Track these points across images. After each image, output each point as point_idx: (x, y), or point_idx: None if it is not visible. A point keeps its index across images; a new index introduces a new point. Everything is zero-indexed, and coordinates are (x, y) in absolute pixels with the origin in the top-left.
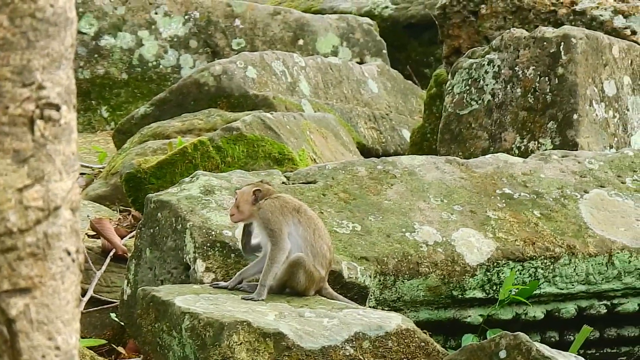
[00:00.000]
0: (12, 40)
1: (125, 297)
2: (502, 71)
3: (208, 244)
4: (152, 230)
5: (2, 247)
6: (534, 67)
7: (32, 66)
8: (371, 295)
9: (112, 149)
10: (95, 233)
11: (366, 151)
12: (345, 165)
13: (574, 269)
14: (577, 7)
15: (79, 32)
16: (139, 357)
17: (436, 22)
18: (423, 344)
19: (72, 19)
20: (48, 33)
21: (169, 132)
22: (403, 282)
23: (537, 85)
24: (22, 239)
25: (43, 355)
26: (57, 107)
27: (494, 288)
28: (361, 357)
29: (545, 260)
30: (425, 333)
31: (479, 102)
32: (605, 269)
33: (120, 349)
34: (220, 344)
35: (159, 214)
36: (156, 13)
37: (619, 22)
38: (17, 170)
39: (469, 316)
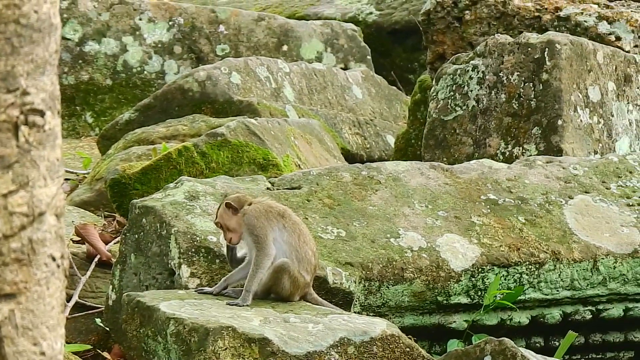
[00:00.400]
0: None
1: (110, 303)
2: (487, 77)
3: (193, 250)
4: (136, 236)
5: None
6: (518, 73)
7: (17, 72)
8: (356, 301)
9: (97, 155)
10: (79, 239)
11: (350, 157)
12: (330, 170)
13: (559, 275)
14: (562, 13)
15: (64, 38)
16: None
17: (420, 28)
18: (408, 349)
19: (56, 25)
20: (32, 39)
21: (153, 138)
22: (388, 287)
23: (522, 91)
24: (7, 244)
25: None
26: (42, 113)
27: (479, 294)
28: None
29: (530, 266)
30: (410, 338)
31: (464, 108)
32: (590, 274)
33: (106, 355)
34: (205, 349)
35: (143, 220)
36: (140, 19)
37: (603, 28)
38: (2, 176)
39: (454, 322)
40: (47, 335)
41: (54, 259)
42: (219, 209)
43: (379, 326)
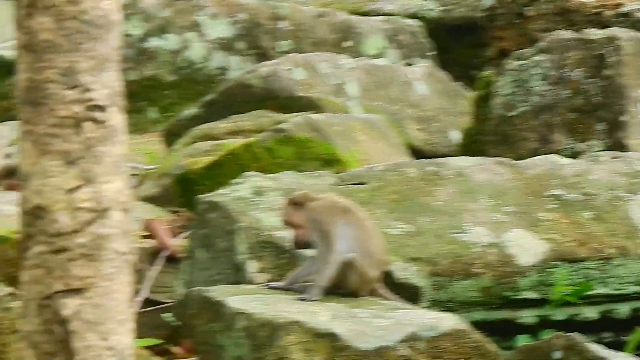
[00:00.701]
0: (58, 43)
1: (179, 298)
2: (549, 73)
3: (259, 245)
4: (204, 231)
5: (54, 248)
6: (581, 69)
7: (78, 68)
8: (424, 296)
9: (162, 150)
10: (148, 234)
11: (415, 152)
12: (395, 166)
13: (627, 270)
14: (622, 10)
15: (126, 35)
16: (194, 357)
17: (482, 24)
18: (477, 344)
19: (116, 22)
20: (93, 35)
21: (217, 134)
22: (456, 283)
23: (585, 87)
24: (74, 240)
25: (97, 355)
26: (104, 109)
27: (547, 289)
28: (415, 358)
29: (597, 262)
30: (479, 333)
31: (527, 103)
32: None
33: (175, 349)
34: (274, 344)
35: (210, 215)
36: (202, 15)
37: None
38: (66, 171)
39: (522, 317)
40: (115, 330)
41: (120, 254)
42: (284, 206)
43: (448, 321)
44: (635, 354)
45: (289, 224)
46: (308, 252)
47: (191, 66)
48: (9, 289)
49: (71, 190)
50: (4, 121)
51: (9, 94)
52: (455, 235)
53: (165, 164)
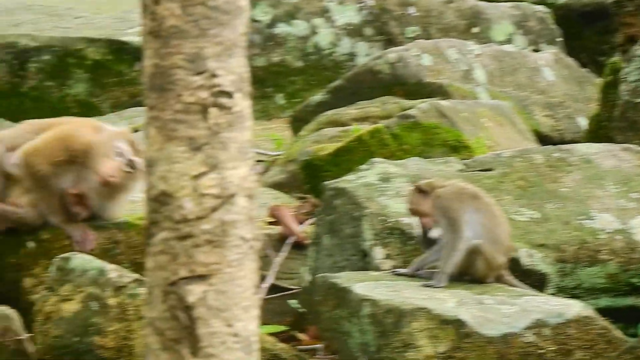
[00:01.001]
0: (185, 29)
1: (305, 284)
2: None
3: (386, 231)
4: (330, 218)
5: (179, 235)
6: None
7: (205, 54)
8: (550, 283)
9: (289, 136)
10: (274, 220)
11: (542, 139)
12: (522, 152)
13: None
14: None
15: (254, 20)
16: (320, 343)
17: (611, 11)
18: (603, 331)
19: (243, 7)
20: (220, 21)
21: (344, 120)
22: (582, 269)
23: None
24: (199, 226)
25: (222, 342)
26: (230, 95)
27: None
28: (541, 344)
29: None
30: (605, 320)
31: None
32: None
33: (301, 336)
34: (400, 330)
35: (336, 201)
36: (330, 1)
37: None
38: (192, 157)
39: None
40: (240, 317)
41: (245, 240)
42: (410, 195)
43: (574, 308)
44: None
45: (415, 212)
46: (434, 238)
47: (319, 52)
48: (135, 276)
49: (196, 177)
50: (131, 107)
51: (136, 80)
52: (581, 221)
53: (292, 150)
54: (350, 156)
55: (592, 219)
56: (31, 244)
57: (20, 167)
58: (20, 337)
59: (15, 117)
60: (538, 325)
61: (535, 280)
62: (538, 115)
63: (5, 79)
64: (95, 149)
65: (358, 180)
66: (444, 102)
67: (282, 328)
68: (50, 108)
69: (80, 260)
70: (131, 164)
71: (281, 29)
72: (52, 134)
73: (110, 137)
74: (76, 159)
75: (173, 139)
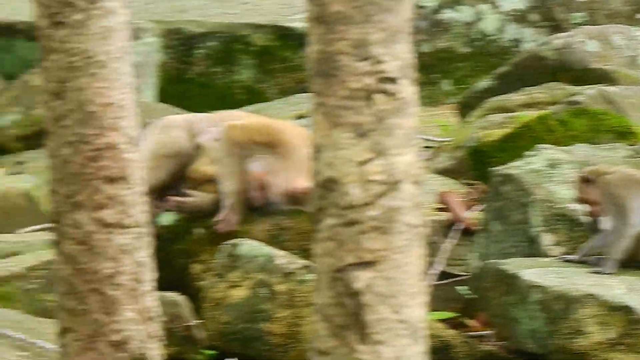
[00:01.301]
0: (350, 15)
1: (473, 271)
2: None
3: (554, 218)
4: (498, 204)
5: (346, 221)
6: None
7: (370, 40)
8: None
9: (456, 123)
10: (442, 206)
11: None
12: None
13: None
14: None
15: (420, 6)
16: (489, 330)
17: None
18: None
19: None
20: (385, 7)
21: (511, 106)
22: None
23: None
24: (365, 212)
25: (389, 328)
26: (396, 81)
27: None
28: None
29: None
30: None
31: None
32: None
33: (470, 322)
34: (570, 317)
35: (504, 188)
36: None
37: None
38: (358, 144)
39: None
40: (407, 303)
41: (412, 227)
42: (577, 183)
43: None
44: None
45: (583, 200)
46: (602, 225)
47: (485, 38)
48: (303, 262)
49: (363, 163)
50: (297, 93)
51: (301, 66)
52: None
53: (459, 136)
54: (517, 142)
55: None
56: (200, 231)
57: (220, 139)
58: (189, 324)
59: (182, 103)
60: None
61: None
62: None
63: (172, 65)
64: (296, 153)
65: (525, 167)
66: (610, 88)
67: (451, 315)
68: (216, 94)
69: (248, 246)
70: None
71: (447, 14)
72: (260, 119)
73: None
74: (276, 148)
75: (339, 125)
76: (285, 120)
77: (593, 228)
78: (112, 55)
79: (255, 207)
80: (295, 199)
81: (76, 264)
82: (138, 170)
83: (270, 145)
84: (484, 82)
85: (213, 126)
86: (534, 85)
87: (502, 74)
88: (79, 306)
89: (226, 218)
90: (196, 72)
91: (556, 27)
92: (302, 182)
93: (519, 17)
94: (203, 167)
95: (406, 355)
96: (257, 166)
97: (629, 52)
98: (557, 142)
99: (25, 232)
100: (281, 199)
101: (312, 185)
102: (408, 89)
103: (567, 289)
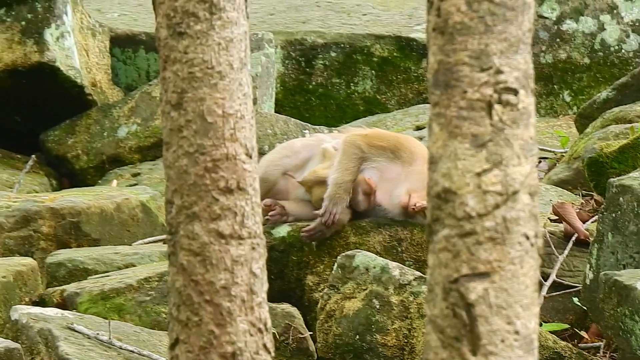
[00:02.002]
0: (470, 25)
1: (587, 282)
2: None
3: None
4: (614, 215)
5: (461, 232)
6: None
7: (490, 50)
8: None
9: (574, 134)
10: (557, 217)
11: None
12: None
13: None
14: None
15: (541, 17)
16: (601, 341)
17: None
18: None
19: (529, 4)
20: (506, 17)
21: (630, 117)
22: None
23: None
24: (481, 223)
25: (502, 340)
26: (515, 92)
27: None
28: None
29: None
30: None
31: None
32: None
33: (583, 334)
34: None
35: (620, 199)
36: None
37: None
38: (476, 154)
39: None
40: (521, 314)
41: (527, 238)
42: None
43: None
44: None
45: None
46: None
47: (606, 49)
48: (417, 273)
49: (480, 174)
50: (417, 104)
51: (421, 77)
52: None
53: (577, 147)
54: (636, 153)
55: None
56: (314, 242)
57: (341, 142)
58: (302, 336)
59: (302, 114)
60: None
61: None
62: None
63: (292, 76)
64: (418, 164)
65: None
66: None
67: (564, 326)
68: (336, 105)
69: (363, 257)
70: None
71: (568, 25)
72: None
73: None
74: (397, 156)
75: (457, 136)
76: (403, 132)
77: None
78: (232, 66)
79: (361, 213)
80: (407, 212)
81: (191, 275)
82: (254, 181)
83: (392, 151)
84: (604, 93)
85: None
86: None
87: (622, 85)
88: (192, 318)
89: (315, 228)
90: (316, 82)
91: None
92: (417, 197)
93: None
94: (319, 169)
95: None
96: (371, 173)
97: None
98: None
99: (141, 244)
100: (394, 209)
101: (427, 200)
102: (527, 100)
103: None
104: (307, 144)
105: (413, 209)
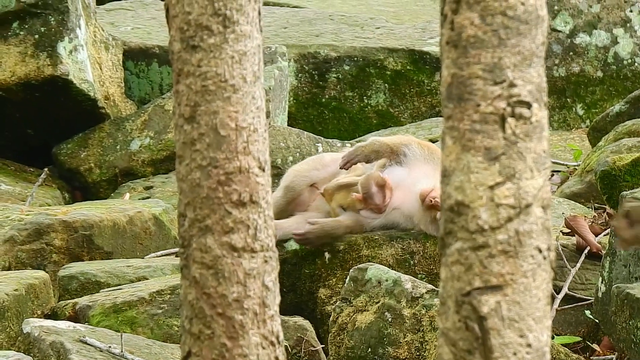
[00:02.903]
0: (484, 39)
1: (599, 295)
2: None
3: None
4: None
5: (474, 245)
6: None
7: (503, 64)
8: None
9: (587, 147)
10: (569, 230)
11: None
12: None
13: None
14: None
15: (554, 30)
16: (613, 354)
17: None
18: None
19: (542, 17)
20: (519, 31)
21: None
22: None
23: None
24: (494, 236)
25: (514, 353)
26: (528, 105)
27: None
28: None
29: None
30: None
31: None
32: None
33: (595, 346)
34: None
35: None
36: (631, 11)
37: None
38: (488, 168)
39: None
40: (533, 327)
41: (540, 251)
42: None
43: None
44: None
45: None
46: None
47: (619, 62)
48: (429, 286)
49: (493, 187)
50: (430, 117)
51: (435, 91)
52: None
53: (590, 160)
54: None
55: None
56: (327, 255)
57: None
58: (314, 348)
59: (315, 127)
60: None
61: None
62: None
63: (305, 89)
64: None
65: None
66: None
67: (576, 339)
68: (349, 118)
69: (375, 270)
70: None
71: (581, 39)
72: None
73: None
74: (432, 155)
75: (470, 149)
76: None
77: None
78: (245, 79)
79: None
80: (424, 205)
81: (203, 288)
82: (267, 194)
83: (430, 151)
84: (617, 106)
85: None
86: None
87: (635, 98)
88: (205, 330)
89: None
90: (329, 96)
91: None
92: (437, 192)
93: None
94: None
95: None
96: (398, 170)
97: None
98: None
99: (154, 257)
100: (412, 206)
101: (440, 212)
102: (540, 113)
103: None
104: (337, 159)
105: (430, 200)
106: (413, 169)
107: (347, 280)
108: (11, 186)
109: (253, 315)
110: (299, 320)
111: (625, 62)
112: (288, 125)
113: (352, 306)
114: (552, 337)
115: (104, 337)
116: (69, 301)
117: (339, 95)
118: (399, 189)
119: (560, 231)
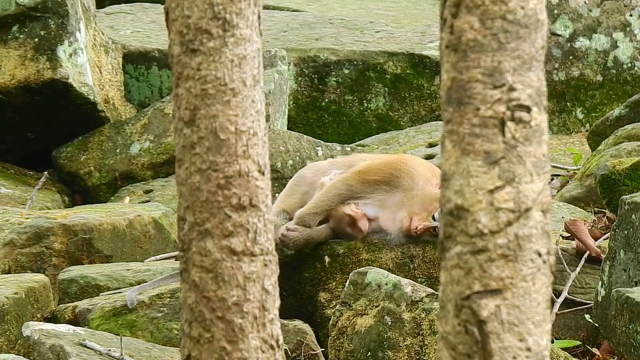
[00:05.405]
0: (483, 42)
1: (599, 299)
2: None
3: None
4: (626, 232)
5: (474, 249)
6: None
7: (503, 68)
8: None
9: (587, 151)
10: (569, 234)
11: None
12: None
13: None
14: None
15: (554, 34)
16: (613, 358)
17: None
18: None
19: (542, 21)
20: (519, 35)
21: None
22: None
23: None
24: (493, 240)
25: (514, 357)
26: (528, 109)
27: None
28: None
29: None
30: None
31: None
32: None
33: (595, 350)
34: None
35: (633, 216)
36: (631, 15)
37: None
38: (488, 172)
39: None
40: (532, 331)
41: (539, 255)
42: None
43: None
44: None
45: None
46: None
47: (619, 66)
48: (429, 290)
49: (492, 191)
50: (429, 121)
51: (434, 94)
52: None
53: (590, 164)
54: None
55: None
56: (327, 259)
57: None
58: (314, 352)
59: (315, 131)
60: None
61: None
62: None
63: (305, 92)
64: (419, 188)
65: None
66: None
67: (576, 343)
68: (349, 122)
69: (375, 274)
70: (436, 232)
71: (581, 43)
72: (385, 157)
73: (435, 198)
74: (391, 184)
75: (469, 153)
76: (416, 149)
77: None
78: (245, 83)
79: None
80: (412, 236)
81: (203, 291)
82: (266, 197)
83: (387, 182)
84: (616, 111)
85: (337, 169)
86: None
87: (635, 102)
88: (204, 334)
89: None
90: (329, 100)
91: None
92: (417, 220)
93: None
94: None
95: None
96: (369, 207)
97: None
98: None
99: (153, 261)
100: (399, 235)
101: (439, 216)
102: (540, 117)
103: None
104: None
105: (415, 232)
106: (384, 202)
107: (347, 284)
108: (11, 189)
109: (253, 319)
110: (299, 323)
111: (625, 66)
112: (288, 128)
113: (351, 310)
114: (552, 341)
115: (104, 340)
116: (68, 304)
117: (339, 99)
118: (381, 218)
119: (560, 235)
